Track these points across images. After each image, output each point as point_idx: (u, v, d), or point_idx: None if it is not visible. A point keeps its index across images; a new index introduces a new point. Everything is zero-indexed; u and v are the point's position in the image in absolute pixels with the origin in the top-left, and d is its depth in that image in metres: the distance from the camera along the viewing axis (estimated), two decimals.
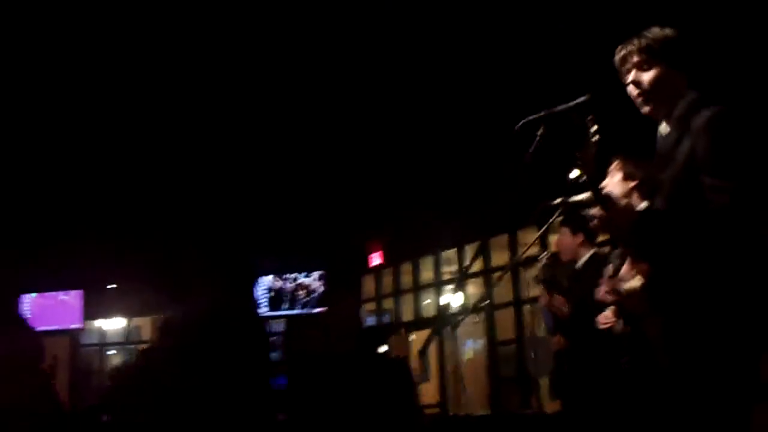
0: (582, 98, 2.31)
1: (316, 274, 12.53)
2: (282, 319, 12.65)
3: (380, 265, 12.26)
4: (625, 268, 2.61)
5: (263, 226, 11.17)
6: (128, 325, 14.10)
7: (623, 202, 2.27)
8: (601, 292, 3.55)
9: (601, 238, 4.30)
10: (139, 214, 10.25)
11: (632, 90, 2.31)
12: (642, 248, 2.18)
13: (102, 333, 14.44)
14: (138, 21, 6.59)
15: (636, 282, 2.25)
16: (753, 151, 2.07)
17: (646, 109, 2.30)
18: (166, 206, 10.24)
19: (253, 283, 12.23)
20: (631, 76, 2.28)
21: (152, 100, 7.85)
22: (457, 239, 10.45)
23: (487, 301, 4.57)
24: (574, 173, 2.24)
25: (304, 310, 12.51)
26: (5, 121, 7.97)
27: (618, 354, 3.57)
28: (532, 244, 4.26)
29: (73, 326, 13.17)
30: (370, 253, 12.18)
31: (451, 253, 11.07)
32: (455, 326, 4.60)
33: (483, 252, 10.02)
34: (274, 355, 12.90)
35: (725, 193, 1.97)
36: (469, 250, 10.63)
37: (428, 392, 10.73)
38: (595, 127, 2.07)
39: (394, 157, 8.83)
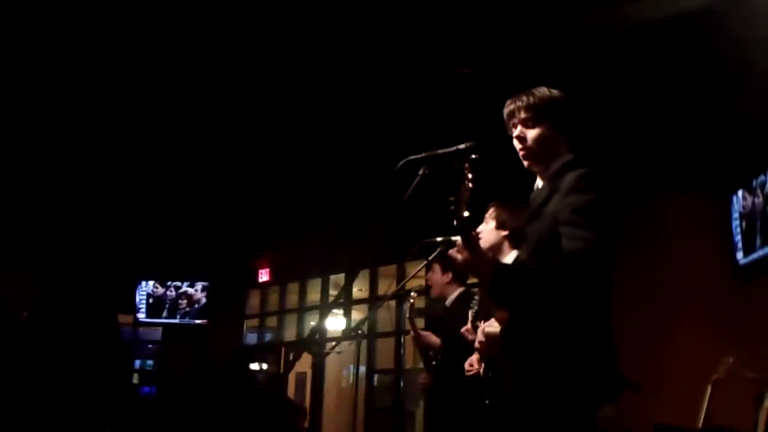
0: (466, 144, 2.39)
1: (199, 285, 12.21)
2: (159, 327, 12.26)
3: (267, 281, 12.09)
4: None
5: (148, 231, 10.81)
6: None
7: (493, 248, 2.33)
8: (464, 330, 3.62)
9: (472, 279, 4.40)
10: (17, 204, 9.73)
11: (517, 144, 2.42)
12: (499, 298, 2.24)
13: None
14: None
15: (494, 328, 2.31)
16: (611, 211, 2.18)
17: (526, 163, 2.43)
18: (43, 201, 9.78)
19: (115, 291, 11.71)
20: (516, 131, 2.40)
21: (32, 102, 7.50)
22: (346, 265, 10.46)
23: (360, 330, 4.57)
24: (465, 213, 2.29)
25: (184, 320, 12.16)
26: None
27: (482, 396, 3.66)
28: (409, 279, 4.32)
29: None
30: (259, 268, 11.99)
31: (339, 278, 11.05)
32: (324, 353, 4.60)
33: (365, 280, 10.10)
34: (148, 364, 12.46)
35: (582, 242, 2.06)
36: (358, 277, 10.65)
37: None
38: (470, 175, 2.12)
39: (288, 176, 8.79)
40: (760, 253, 6.07)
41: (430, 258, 3.97)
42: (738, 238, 6.47)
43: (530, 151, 2.38)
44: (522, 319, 2.20)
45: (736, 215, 6.52)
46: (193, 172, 9.14)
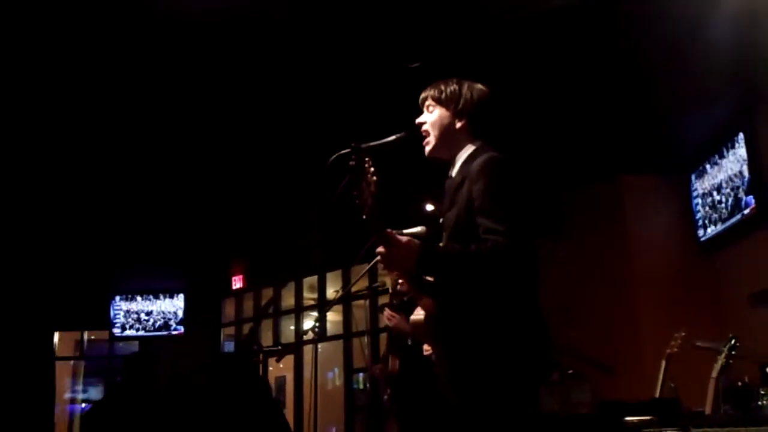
0: (396, 135, 2.41)
1: (174, 296, 12.14)
2: (136, 341, 12.19)
3: (241, 288, 12.05)
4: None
5: (120, 246, 10.73)
6: None
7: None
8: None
9: None
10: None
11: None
12: (421, 286, 2.26)
13: None
14: None
15: (419, 315, 2.33)
16: (522, 195, 2.20)
17: (426, 149, 2.46)
18: (15, 218, 9.65)
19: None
20: (420, 118, 2.46)
21: None
22: (319, 266, 10.46)
23: (317, 328, 4.59)
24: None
25: (161, 333, 12.09)
26: None
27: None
28: (357, 281, 4.33)
29: None
30: (232, 275, 11.95)
31: (312, 280, 11.04)
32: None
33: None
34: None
35: (499, 235, 2.06)
36: (331, 278, 10.64)
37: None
38: (373, 169, 2.13)
39: (256, 181, 8.76)
40: (718, 228, 6.19)
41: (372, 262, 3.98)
42: (699, 215, 6.59)
43: (427, 135, 2.43)
44: (447, 305, 2.22)
45: (696, 194, 6.64)
46: (161, 184, 9.08)
